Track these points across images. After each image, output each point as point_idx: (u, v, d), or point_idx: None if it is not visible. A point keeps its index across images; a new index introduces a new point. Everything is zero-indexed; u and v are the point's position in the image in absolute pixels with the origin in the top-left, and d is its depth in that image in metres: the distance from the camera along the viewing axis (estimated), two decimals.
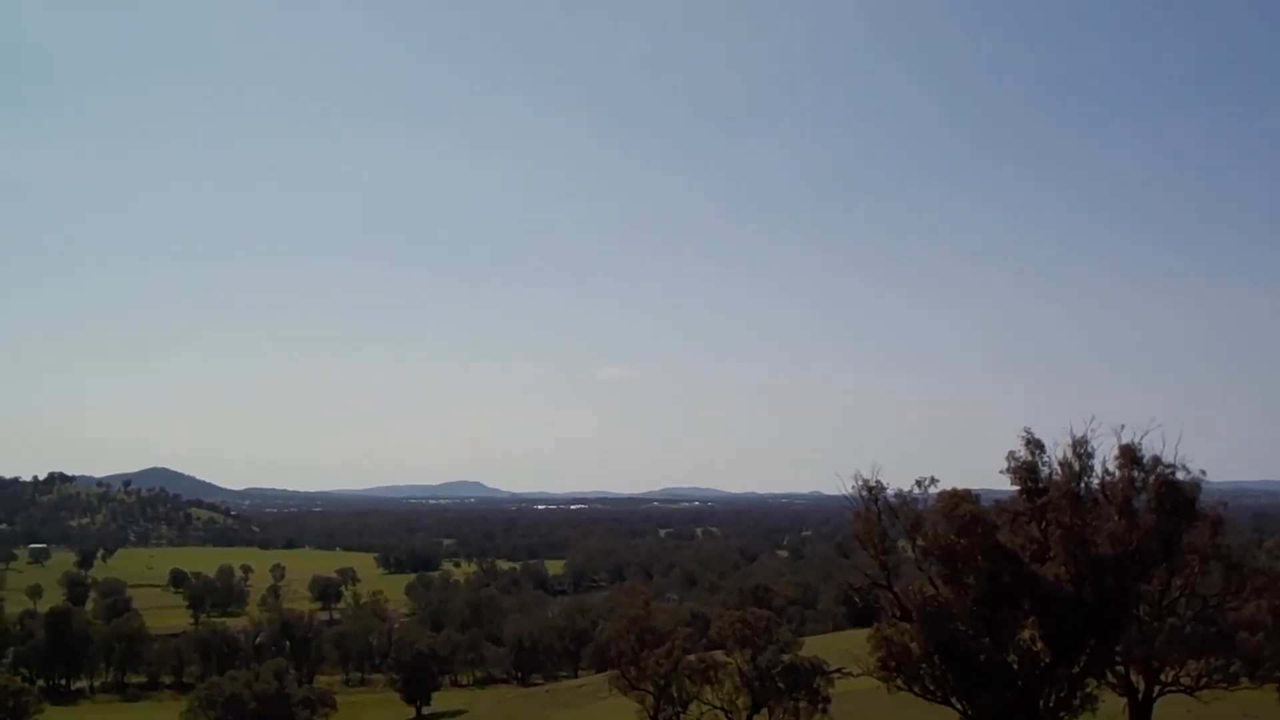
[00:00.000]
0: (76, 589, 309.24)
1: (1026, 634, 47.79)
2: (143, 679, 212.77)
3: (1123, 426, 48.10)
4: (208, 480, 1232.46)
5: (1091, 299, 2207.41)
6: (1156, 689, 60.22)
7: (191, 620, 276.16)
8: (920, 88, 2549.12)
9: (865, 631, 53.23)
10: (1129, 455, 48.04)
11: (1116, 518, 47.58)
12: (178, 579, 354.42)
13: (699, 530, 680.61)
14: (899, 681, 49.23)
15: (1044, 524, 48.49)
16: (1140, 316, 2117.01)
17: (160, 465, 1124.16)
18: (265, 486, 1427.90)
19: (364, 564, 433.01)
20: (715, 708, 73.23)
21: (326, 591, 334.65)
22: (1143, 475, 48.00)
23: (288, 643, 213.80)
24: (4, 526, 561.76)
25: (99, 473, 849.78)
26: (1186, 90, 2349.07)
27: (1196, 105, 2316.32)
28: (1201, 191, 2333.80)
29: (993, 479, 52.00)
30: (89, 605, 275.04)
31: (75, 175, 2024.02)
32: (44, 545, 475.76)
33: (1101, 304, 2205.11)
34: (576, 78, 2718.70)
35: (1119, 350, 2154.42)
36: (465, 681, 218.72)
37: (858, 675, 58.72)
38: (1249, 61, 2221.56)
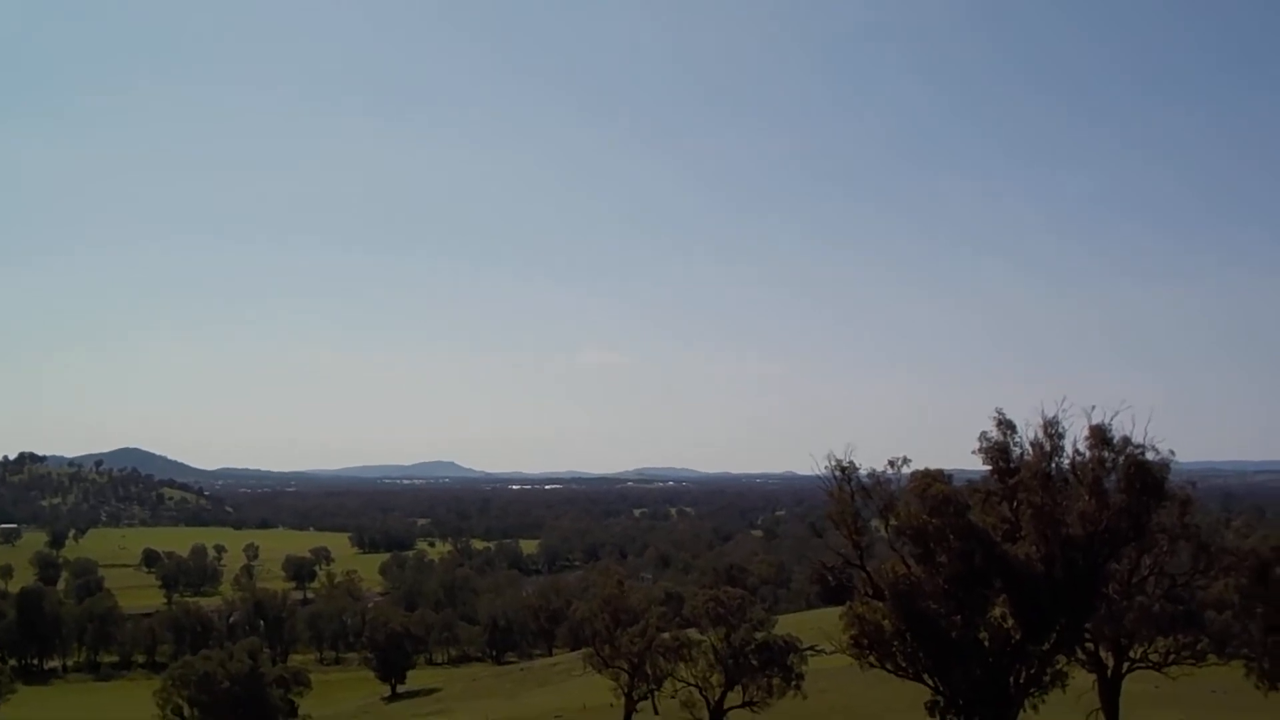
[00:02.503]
0: (48, 569, 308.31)
1: (998, 612, 48.09)
2: (115, 659, 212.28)
3: (1093, 407, 48.30)
4: (180, 460, 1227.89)
5: (1068, 285, 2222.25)
6: (1126, 666, 61.05)
7: (164, 600, 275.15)
8: (912, 78, 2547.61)
9: (838, 610, 53.50)
10: (1099, 436, 48.30)
11: (1087, 497, 47.87)
12: (150, 559, 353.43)
13: (673, 510, 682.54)
14: (871, 659, 49.52)
15: (1015, 504, 48.75)
16: (1112, 302, 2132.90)
17: (132, 445, 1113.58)
18: (238, 466, 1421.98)
19: (338, 544, 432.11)
20: (689, 685, 73.64)
21: (300, 571, 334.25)
22: (1113, 456, 48.23)
23: (262, 622, 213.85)
24: None
25: (70, 453, 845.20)
26: (1182, 82, 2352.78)
27: (1192, 97, 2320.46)
28: (1196, 184, 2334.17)
29: (966, 460, 52.45)
30: (61, 585, 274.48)
31: (48, 166, 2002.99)
32: (15, 525, 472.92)
33: (1076, 288, 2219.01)
34: (562, 66, 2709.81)
35: (1093, 334, 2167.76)
36: (440, 660, 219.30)
37: (831, 653, 59.17)
38: (1247, 54, 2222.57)
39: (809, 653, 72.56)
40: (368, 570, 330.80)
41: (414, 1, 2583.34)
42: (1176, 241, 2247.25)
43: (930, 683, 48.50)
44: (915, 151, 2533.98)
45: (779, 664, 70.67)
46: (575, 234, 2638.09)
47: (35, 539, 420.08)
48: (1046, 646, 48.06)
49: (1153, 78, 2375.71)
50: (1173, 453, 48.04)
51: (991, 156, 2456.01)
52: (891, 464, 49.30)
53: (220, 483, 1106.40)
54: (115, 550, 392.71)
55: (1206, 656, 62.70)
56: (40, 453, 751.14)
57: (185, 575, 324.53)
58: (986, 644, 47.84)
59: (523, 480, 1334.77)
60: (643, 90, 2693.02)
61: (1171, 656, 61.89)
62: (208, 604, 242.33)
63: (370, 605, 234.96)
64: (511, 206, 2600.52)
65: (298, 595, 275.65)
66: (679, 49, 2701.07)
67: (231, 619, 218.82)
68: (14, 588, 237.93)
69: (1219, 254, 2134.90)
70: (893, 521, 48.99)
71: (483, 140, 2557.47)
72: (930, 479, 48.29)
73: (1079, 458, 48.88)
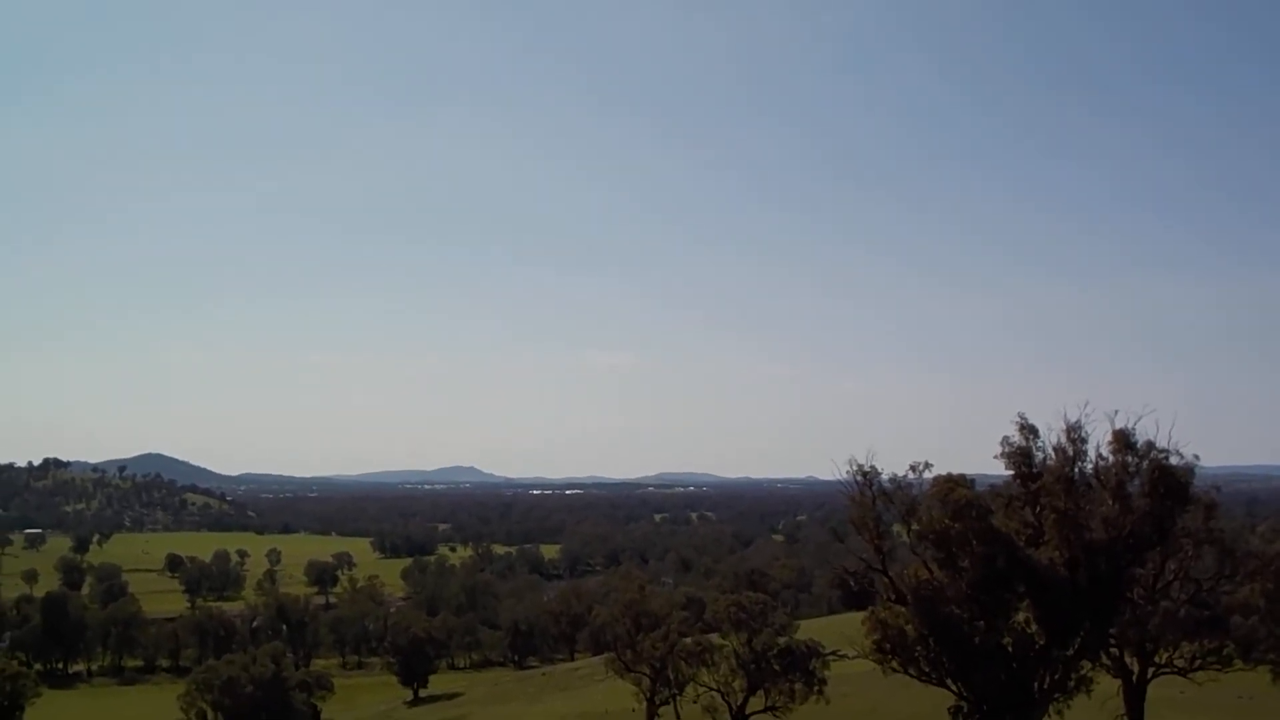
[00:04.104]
0: (72, 573, 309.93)
1: (1021, 617, 48.00)
2: (139, 663, 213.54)
3: (1116, 411, 48.21)
4: (203, 466, 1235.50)
5: (1093, 282, 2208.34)
6: (1150, 671, 60.60)
7: (188, 605, 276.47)
8: (931, 73, 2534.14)
9: (860, 615, 53.43)
10: (1122, 440, 48.14)
11: (1110, 502, 47.73)
12: (174, 563, 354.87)
13: (694, 515, 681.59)
14: (894, 664, 49.50)
15: (1038, 508, 48.63)
16: (1138, 300, 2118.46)
17: (155, 451, 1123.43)
18: (260, 472, 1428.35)
19: (360, 549, 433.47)
20: (711, 690, 73.59)
21: (323, 576, 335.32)
22: (1136, 460, 48.07)
23: (284, 626, 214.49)
24: (0, 512, 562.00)
25: (94, 459, 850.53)
26: (1203, 77, 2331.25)
27: (1212, 91, 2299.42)
28: (1224, 181, 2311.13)
29: (988, 464, 52.31)
30: (85, 590, 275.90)
31: (68, 161, 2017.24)
32: (40, 530, 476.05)
33: (1102, 286, 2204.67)
34: (582, 59, 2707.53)
35: (1119, 333, 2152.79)
36: (462, 665, 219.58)
37: (853, 658, 58.95)
38: (1266, 48, 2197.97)
39: (831, 657, 72.43)
40: (389, 575, 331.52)
41: None
42: (1203, 239, 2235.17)
43: (954, 688, 48.40)
44: (937, 147, 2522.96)
45: (801, 669, 70.62)
46: (596, 236, 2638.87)
47: (60, 544, 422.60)
48: (1071, 651, 47.92)
49: (1183, 73, 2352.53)
50: (1197, 457, 47.91)
51: (1015, 152, 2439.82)
52: (913, 469, 49.30)
53: (243, 488, 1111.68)
54: (139, 555, 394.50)
55: (1232, 661, 62.17)
56: (64, 459, 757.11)
57: (208, 580, 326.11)
58: (1010, 649, 47.74)
59: (544, 485, 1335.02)
60: (663, 83, 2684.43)
61: (1197, 661, 61.41)
62: (230, 608, 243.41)
63: (392, 610, 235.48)
64: (533, 207, 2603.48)
65: (320, 600, 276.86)
66: (706, 40, 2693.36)
67: (254, 623, 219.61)
68: (39, 592, 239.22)
69: (1246, 252, 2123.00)
70: (915, 526, 48.94)
71: (507, 139, 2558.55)
72: (952, 484, 48.21)
73: (1102, 462, 48.78)
